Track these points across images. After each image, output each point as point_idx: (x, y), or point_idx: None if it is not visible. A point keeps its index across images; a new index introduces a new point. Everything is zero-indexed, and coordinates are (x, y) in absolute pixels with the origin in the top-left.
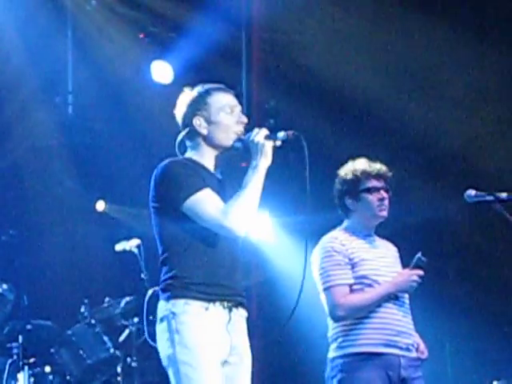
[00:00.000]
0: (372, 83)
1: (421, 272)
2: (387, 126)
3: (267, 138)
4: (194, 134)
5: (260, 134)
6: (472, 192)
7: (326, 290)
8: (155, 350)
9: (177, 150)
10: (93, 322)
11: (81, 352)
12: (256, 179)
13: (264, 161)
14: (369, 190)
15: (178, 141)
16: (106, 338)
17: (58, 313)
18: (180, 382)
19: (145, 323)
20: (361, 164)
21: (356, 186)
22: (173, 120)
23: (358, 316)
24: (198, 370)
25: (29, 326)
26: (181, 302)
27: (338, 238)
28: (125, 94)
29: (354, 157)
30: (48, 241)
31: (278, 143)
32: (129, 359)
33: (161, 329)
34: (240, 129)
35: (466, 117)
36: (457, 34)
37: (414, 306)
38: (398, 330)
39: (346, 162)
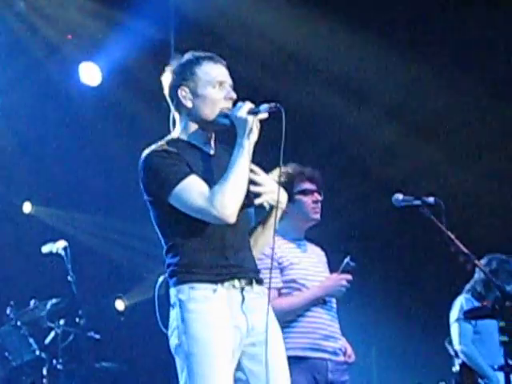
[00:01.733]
0: (296, 84)
1: (349, 277)
2: (312, 128)
3: (250, 112)
4: (179, 106)
5: (243, 109)
6: (399, 196)
7: None
8: (81, 353)
9: (171, 126)
10: (18, 323)
11: (6, 354)
12: (241, 158)
13: (248, 137)
14: (303, 192)
15: (171, 117)
16: (31, 340)
17: None
18: (185, 374)
19: (156, 309)
20: (294, 167)
21: (291, 188)
22: (102, 121)
23: (286, 320)
24: (204, 364)
25: None
26: (186, 287)
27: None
28: (53, 96)
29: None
30: None
31: (262, 116)
32: (54, 361)
33: (171, 316)
34: (228, 105)
35: (392, 119)
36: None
37: (341, 310)
38: (325, 334)
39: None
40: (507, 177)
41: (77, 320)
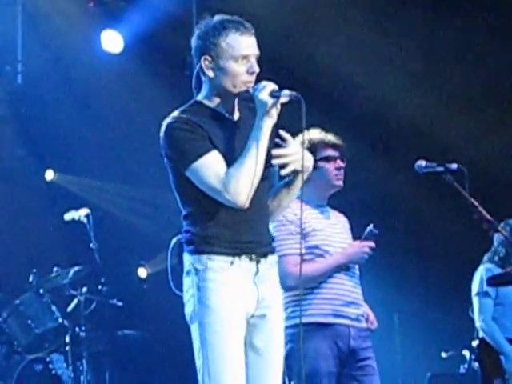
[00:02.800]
0: (326, 56)
1: (372, 244)
2: (340, 97)
3: (272, 95)
4: (203, 72)
5: (265, 91)
6: (422, 162)
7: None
8: (103, 320)
9: (193, 86)
10: (41, 291)
11: (29, 321)
12: (258, 141)
13: (267, 120)
14: (326, 159)
15: (194, 77)
16: (54, 308)
17: (6, 282)
18: (200, 341)
19: (169, 272)
20: (317, 133)
21: (313, 155)
22: (123, 90)
23: (309, 286)
24: (217, 333)
25: None
26: (204, 257)
27: (291, 208)
28: (74, 64)
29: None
30: None
31: (283, 100)
32: (77, 329)
33: (186, 282)
34: (250, 79)
35: (416, 90)
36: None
37: (363, 277)
38: (347, 301)
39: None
40: None
41: (99, 287)
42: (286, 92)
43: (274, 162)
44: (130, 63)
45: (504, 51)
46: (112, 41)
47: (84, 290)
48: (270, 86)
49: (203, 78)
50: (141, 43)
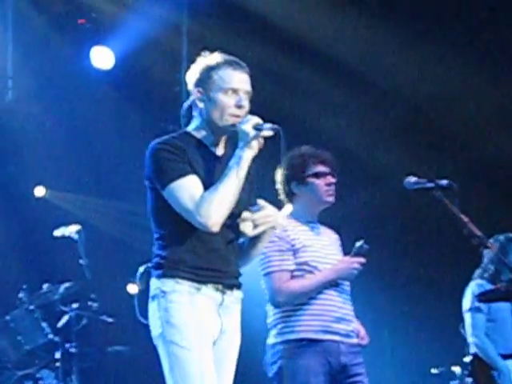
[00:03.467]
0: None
1: (362, 259)
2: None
3: (256, 127)
4: (194, 104)
5: (249, 123)
6: (412, 179)
7: (266, 275)
8: (94, 336)
9: (181, 119)
10: (31, 307)
11: (19, 337)
12: (235, 170)
13: (247, 151)
14: (316, 175)
15: (182, 110)
16: (44, 324)
17: None
18: (169, 362)
19: (136, 299)
20: (307, 149)
21: (303, 171)
22: (113, 105)
23: (298, 302)
24: (185, 348)
25: None
26: (171, 281)
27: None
28: (65, 80)
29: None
30: None
31: (266, 134)
32: (67, 345)
33: (151, 307)
34: (237, 113)
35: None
36: None
37: (354, 292)
38: (337, 317)
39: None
40: None
41: (90, 303)
42: (268, 125)
43: (247, 231)
44: (121, 79)
45: None
46: (102, 57)
47: (74, 306)
48: (254, 120)
49: (195, 112)
50: (131, 59)
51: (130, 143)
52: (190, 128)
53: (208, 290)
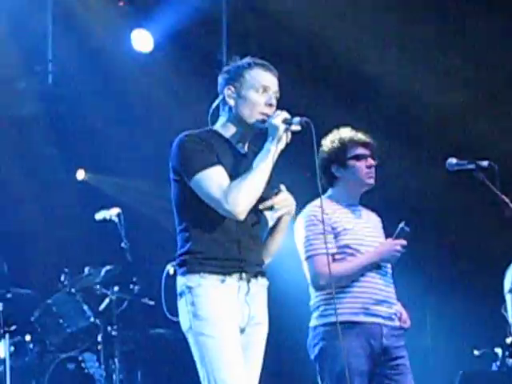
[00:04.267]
0: (354, 51)
1: (404, 242)
2: (368, 94)
3: (285, 121)
4: (224, 102)
5: (279, 117)
6: (453, 160)
7: (308, 258)
8: (135, 319)
9: (209, 117)
10: (73, 290)
11: (61, 321)
12: (264, 163)
13: (275, 143)
14: (357, 157)
15: (212, 108)
16: (86, 307)
17: (38, 281)
18: (199, 353)
19: (163, 299)
20: (347, 132)
21: (344, 154)
22: (154, 88)
23: (340, 285)
24: (215, 338)
25: (9, 295)
26: (196, 276)
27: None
28: (105, 63)
29: (333, 126)
30: (28, 209)
31: (295, 128)
32: (109, 328)
33: (180, 304)
34: (267, 110)
35: (447, 86)
36: None
37: (396, 275)
38: (379, 299)
39: (327, 130)
40: None
41: (131, 286)
42: (297, 119)
43: (272, 216)
44: (160, 62)
45: None
46: (142, 40)
47: (116, 289)
48: (284, 114)
49: (223, 109)
50: (171, 42)
51: (171, 126)
52: (217, 126)
53: (232, 280)
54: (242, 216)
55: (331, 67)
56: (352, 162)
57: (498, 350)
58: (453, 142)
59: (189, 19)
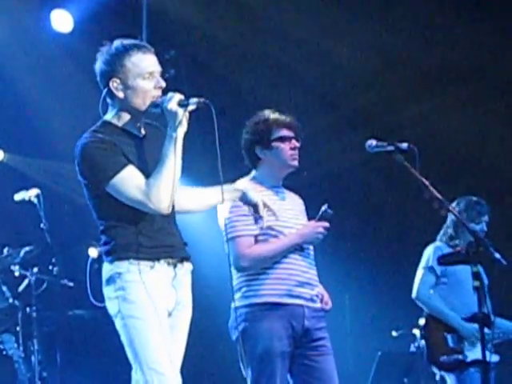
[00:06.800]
0: (283, 41)
1: (326, 224)
2: (295, 77)
3: (180, 104)
4: (111, 95)
5: (173, 101)
6: (373, 142)
7: (230, 240)
8: (54, 300)
9: (100, 109)
10: None
11: None
12: (172, 150)
13: (179, 129)
14: (281, 139)
15: (101, 100)
16: (4, 288)
17: None
18: (128, 335)
19: (88, 284)
20: (271, 113)
21: (268, 135)
22: (73, 68)
23: (263, 266)
24: (143, 320)
25: None
26: (125, 262)
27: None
28: (24, 43)
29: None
30: None
31: (191, 108)
32: (28, 309)
33: (108, 289)
34: (158, 93)
35: (367, 69)
36: None
37: (317, 257)
38: (301, 281)
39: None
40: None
41: (50, 267)
42: (194, 100)
43: None
44: (80, 42)
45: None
46: (62, 20)
47: (35, 270)
48: (177, 96)
49: (110, 101)
50: (91, 22)
51: (89, 108)
52: (109, 117)
53: (161, 266)
54: (167, 210)
55: (254, 55)
56: (276, 144)
57: (416, 332)
58: (372, 125)
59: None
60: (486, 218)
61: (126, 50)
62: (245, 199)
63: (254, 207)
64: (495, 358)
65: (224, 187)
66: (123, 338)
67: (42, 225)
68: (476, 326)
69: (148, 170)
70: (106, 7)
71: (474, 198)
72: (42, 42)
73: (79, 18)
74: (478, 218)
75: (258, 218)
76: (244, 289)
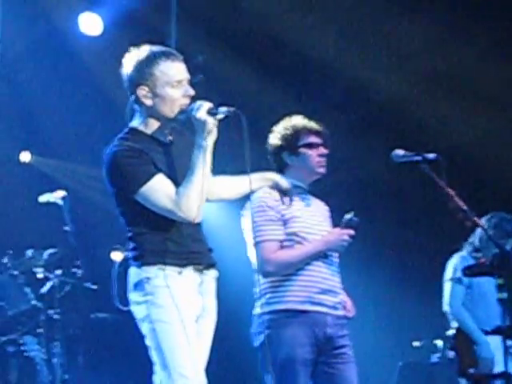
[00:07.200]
0: (307, 38)
1: (351, 232)
2: (319, 82)
3: (209, 113)
4: (138, 102)
5: (202, 110)
6: (400, 152)
7: (256, 244)
8: (77, 303)
9: (127, 116)
10: (15, 273)
11: (2, 303)
12: (202, 159)
13: (208, 138)
14: (309, 146)
15: (128, 107)
16: (28, 290)
17: None
18: (156, 339)
19: (115, 288)
20: (299, 120)
21: (296, 141)
22: (102, 73)
23: (287, 273)
24: (171, 324)
25: None
26: (154, 267)
27: (272, 194)
28: (53, 46)
29: (283, 114)
30: None
31: (220, 117)
32: (51, 311)
33: (135, 294)
34: (186, 102)
35: (395, 73)
36: None
37: (341, 264)
38: (324, 289)
39: (276, 118)
40: None
41: (74, 270)
42: (224, 109)
43: None
44: (110, 45)
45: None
46: (91, 23)
47: (58, 272)
48: (206, 105)
49: (137, 108)
50: (120, 25)
51: (119, 110)
52: (136, 124)
53: (189, 272)
54: (198, 220)
55: (280, 56)
56: (304, 150)
57: (438, 342)
58: (401, 130)
59: (138, 2)
60: None
61: (154, 58)
62: (276, 186)
63: (286, 192)
64: None
65: (254, 176)
66: (150, 342)
67: (66, 227)
68: (497, 340)
69: (177, 177)
70: (136, 9)
71: (508, 217)
72: (70, 44)
73: (109, 20)
74: (505, 237)
75: (290, 200)
76: (267, 295)
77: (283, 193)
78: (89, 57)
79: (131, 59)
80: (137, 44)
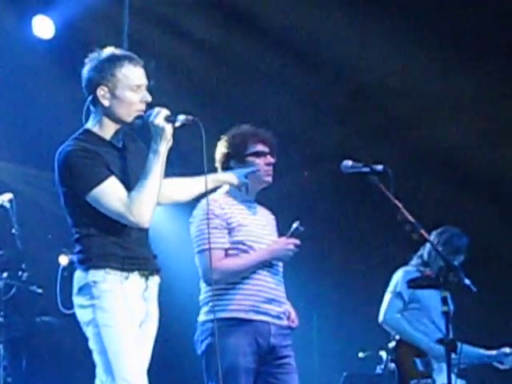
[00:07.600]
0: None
1: (297, 241)
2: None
3: (167, 120)
4: (96, 102)
5: (160, 116)
6: (348, 162)
7: (200, 252)
8: (22, 306)
9: (84, 116)
10: None
11: None
12: (157, 165)
13: (164, 144)
14: (257, 154)
15: (85, 107)
16: None
17: None
18: (101, 344)
19: (58, 291)
20: (247, 128)
21: (243, 150)
22: (53, 74)
23: (231, 281)
24: (117, 329)
25: None
26: (101, 271)
27: (218, 202)
28: (5, 48)
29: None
30: None
31: (177, 125)
32: None
33: (80, 297)
34: (143, 107)
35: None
36: None
37: (286, 274)
38: (269, 298)
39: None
40: None
41: (20, 273)
42: (182, 117)
43: None
44: (61, 49)
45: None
46: (43, 26)
47: (4, 275)
48: (164, 112)
49: (93, 109)
50: (72, 29)
51: (67, 115)
52: (90, 125)
53: (135, 277)
54: (147, 225)
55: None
56: (251, 159)
57: (383, 353)
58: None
59: (90, 6)
60: (461, 258)
61: (117, 60)
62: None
63: (240, 188)
64: (461, 383)
65: (208, 176)
66: (94, 347)
67: (13, 230)
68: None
69: (129, 181)
70: (87, 13)
71: (458, 232)
72: (22, 47)
73: (61, 24)
74: (454, 253)
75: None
76: (211, 303)
77: (238, 188)
78: (41, 59)
79: (93, 59)
80: (89, 48)
